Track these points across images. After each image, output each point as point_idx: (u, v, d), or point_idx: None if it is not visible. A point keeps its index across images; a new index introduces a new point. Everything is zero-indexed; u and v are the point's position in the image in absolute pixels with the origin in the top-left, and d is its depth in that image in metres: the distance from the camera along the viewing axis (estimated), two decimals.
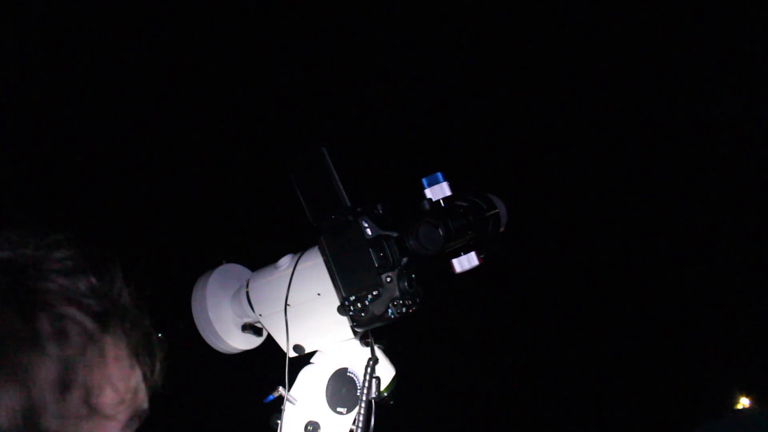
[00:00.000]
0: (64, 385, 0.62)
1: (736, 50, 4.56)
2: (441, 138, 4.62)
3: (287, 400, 1.32)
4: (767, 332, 4.37)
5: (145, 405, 0.72)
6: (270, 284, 1.38)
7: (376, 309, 1.19)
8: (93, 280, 0.68)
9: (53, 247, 0.68)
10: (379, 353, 1.33)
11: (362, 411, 1.26)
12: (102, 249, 0.71)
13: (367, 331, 1.26)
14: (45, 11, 3.56)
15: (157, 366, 0.74)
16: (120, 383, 0.68)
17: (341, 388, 1.32)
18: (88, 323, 0.65)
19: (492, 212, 1.44)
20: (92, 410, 0.65)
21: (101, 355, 0.66)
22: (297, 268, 1.33)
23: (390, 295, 1.19)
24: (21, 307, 0.62)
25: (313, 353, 1.38)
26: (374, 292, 1.19)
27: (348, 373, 1.33)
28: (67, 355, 0.62)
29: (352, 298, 1.21)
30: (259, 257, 1.49)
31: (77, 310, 0.65)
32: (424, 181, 1.32)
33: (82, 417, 0.63)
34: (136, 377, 0.70)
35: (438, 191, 1.31)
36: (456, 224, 1.29)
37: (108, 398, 0.66)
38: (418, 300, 1.24)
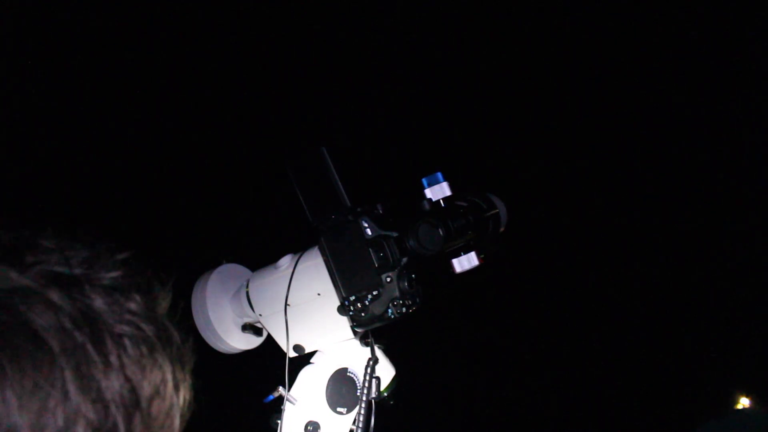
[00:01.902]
0: (131, 406, 0.63)
1: (736, 50, 4.56)
2: (441, 138, 4.62)
3: (287, 400, 1.32)
4: (767, 332, 4.37)
5: (181, 427, 0.72)
6: (270, 284, 1.38)
7: (376, 309, 1.19)
8: (138, 297, 0.68)
9: (110, 266, 0.68)
10: (379, 353, 1.33)
11: (362, 411, 1.26)
12: (143, 264, 0.72)
13: (367, 331, 1.26)
14: (44, 11, 3.56)
15: (191, 388, 0.75)
16: (173, 407, 0.69)
17: (341, 388, 1.32)
18: (146, 344, 0.66)
19: (492, 212, 1.44)
20: None
21: (163, 379, 0.67)
22: (297, 268, 1.33)
23: (390, 295, 1.19)
24: (90, 327, 0.62)
25: (313, 353, 1.38)
26: (374, 292, 1.19)
27: (348, 373, 1.33)
28: (132, 376, 0.63)
29: (352, 298, 1.21)
30: (259, 257, 1.49)
31: (135, 330, 0.65)
32: (424, 181, 1.32)
33: None
34: (181, 398, 0.71)
35: (438, 191, 1.31)
36: (456, 224, 1.29)
37: (166, 424, 0.68)
38: (418, 300, 1.24)
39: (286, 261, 1.37)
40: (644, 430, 4.46)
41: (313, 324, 1.33)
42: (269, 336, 1.43)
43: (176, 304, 0.74)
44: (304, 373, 1.36)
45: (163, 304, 0.72)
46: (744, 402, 4.33)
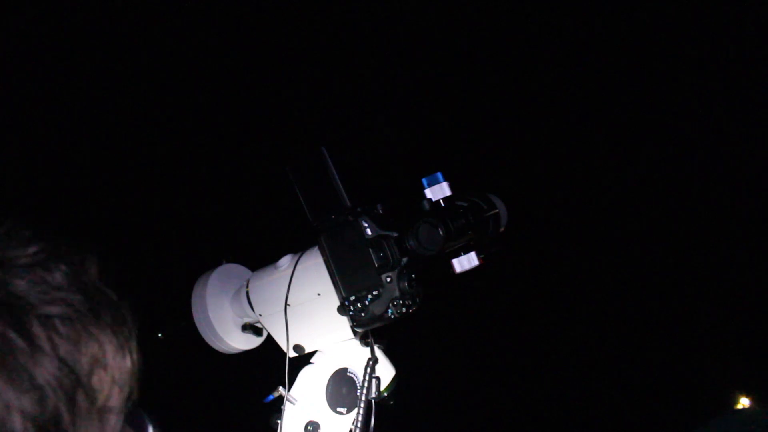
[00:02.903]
0: (70, 387, 0.60)
1: (736, 50, 4.56)
2: (441, 138, 4.62)
3: (287, 400, 1.32)
4: (767, 332, 4.37)
5: (136, 389, 0.70)
6: (270, 284, 1.38)
7: (376, 309, 1.19)
8: (64, 267, 0.65)
9: (23, 243, 0.64)
10: (379, 353, 1.33)
11: (362, 411, 1.26)
12: (66, 237, 0.68)
13: (367, 331, 1.26)
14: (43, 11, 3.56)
15: (136, 345, 0.71)
16: (117, 374, 0.66)
17: (341, 388, 1.32)
18: (78, 319, 0.63)
19: (492, 212, 1.44)
20: (101, 409, 0.64)
21: (100, 349, 0.64)
22: (297, 268, 1.33)
23: (390, 295, 1.19)
24: (10, 313, 0.59)
25: (313, 353, 1.38)
26: (374, 292, 1.19)
27: (348, 373, 1.33)
28: (66, 356, 0.61)
29: (352, 298, 1.21)
30: (259, 257, 1.49)
31: (64, 306, 0.62)
32: (424, 181, 1.32)
33: (92, 417, 0.62)
34: (128, 363, 0.68)
35: (438, 191, 1.31)
36: (456, 224, 1.29)
37: (113, 392, 0.65)
38: (418, 300, 1.24)
39: (286, 261, 1.37)
40: (644, 430, 4.46)
41: (313, 324, 1.33)
42: (269, 336, 1.43)
43: (107, 266, 0.70)
44: (304, 373, 1.36)
45: (92, 269, 0.68)
46: (744, 402, 4.33)
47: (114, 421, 0.66)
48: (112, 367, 0.65)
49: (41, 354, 0.59)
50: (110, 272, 0.70)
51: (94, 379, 0.63)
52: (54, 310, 0.61)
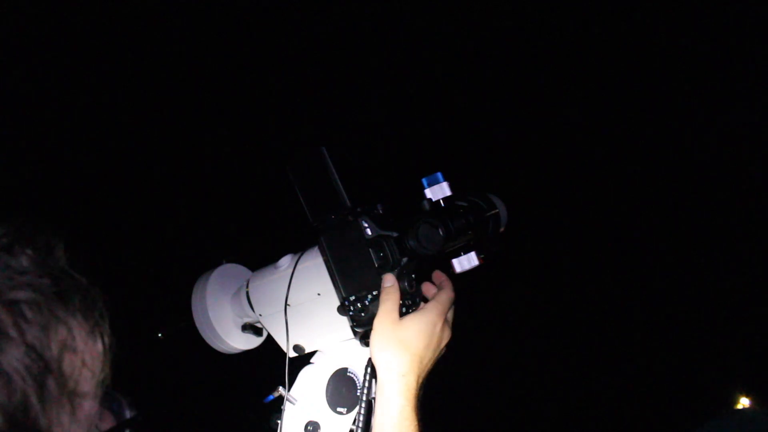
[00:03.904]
0: (39, 373, 0.59)
1: (736, 50, 4.56)
2: (441, 138, 4.62)
3: (287, 400, 1.32)
4: (767, 332, 4.37)
5: (109, 373, 0.69)
6: (270, 284, 1.38)
7: (376, 309, 1.19)
8: (30, 252, 0.64)
9: None
10: None
11: (362, 411, 1.26)
12: (30, 221, 0.67)
13: (367, 331, 1.26)
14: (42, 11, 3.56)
15: (108, 329, 0.70)
16: (89, 358, 0.65)
17: (341, 388, 1.32)
18: (46, 304, 0.62)
19: (492, 212, 1.44)
20: (71, 394, 0.62)
21: (69, 334, 0.63)
22: (297, 268, 1.33)
23: None
24: None
25: (313, 353, 1.38)
26: (374, 292, 1.19)
27: (348, 373, 1.33)
28: (33, 341, 0.59)
29: (352, 298, 1.21)
30: (259, 257, 1.49)
31: (30, 291, 0.61)
32: (424, 181, 1.32)
33: (63, 403, 0.61)
34: (99, 347, 0.67)
35: (438, 191, 1.31)
36: (456, 224, 1.29)
37: (84, 377, 0.64)
38: (418, 300, 1.24)
39: (286, 261, 1.37)
40: (644, 430, 4.46)
41: (313, 324, 1.33)
42: (269, 336, 1.43)
43: (76, 249, 0.69)
44: (304, 373, 1.36)
45: (59, 252, 0.67)
46: (744, 402, 4.33)
47: (87, 406, 0.65)
48: (83, 351, 0.64)
49: (7, 340, 0.58)
50: (80, 256, 0.69)
51: (64, 364, 0.62)
52: (20, 295, 0.60)
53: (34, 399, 0.58)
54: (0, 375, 0.57)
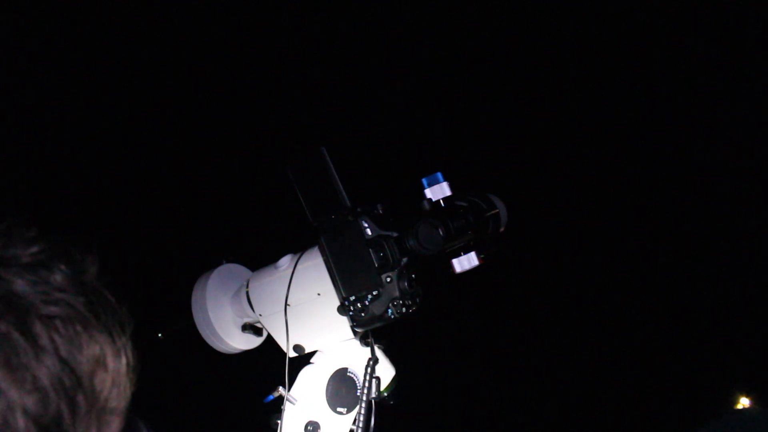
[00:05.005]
0: (71, 388, 0.60)
1: (736, 51, 4.56)
2: (441, 138, 4.62)
3: (287, 400, 1.32)
4: (767, 332, 4.37)
5: (132, 389, 0.70)
6: (270, 284, 1.38)
7: (376, 309, 1.19)
8: (65, 268, 0.65)
9: (24, 242, 0.64)
10: (379, 353, 1.33)
11: (362, 411, 1.26)
12: (65, 237, 0.68)
13: (367, 331, 1.26)
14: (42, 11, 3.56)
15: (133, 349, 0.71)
16: (116, 375, 0.66)
17: (341, 388, 1.32)
18: (79, 321, 0.63)
19: (492, 212, 1.44)
20: (101, 411, 0.63)
21: (101, 351, 0.64)
22: (297, 268, 1.33)
23: (390, 295, 1.19)
24: (13, 313, 0.59)
25: (313, 353, 1.38)
26: (374, 292, 1.19)
27: (348, 373, 1.33)
28: (67, 356, 0.61)
29: (352, 298, 1.21)
30: (259, 257, 1.49)
31: (65, 307, 0.62)
32: (424, 181, 1.32)
33: (92, 419, 0.62)
34: (124, 363, 0.68)
35: (438, 191, 1.31)
36: (456, 224, 1.29)
37: (113, 395, 0.65)
38: (418, 300, 1.24)
39: (286, 261, 1.37)
40: (644, 430, 4.46)
41: (313, 324, 1.33)
42: (269, 336, 1.44)
43: (106, 266, 0.70)
44: (304, 373, 1.36)
45: (92, 270, 0.68)
46: (744, 402, 4.32)
47: (115, 424, 0.66)
48: (112, 369, 0.65)
49: (44, 354, 0.59)
50: (108, 273, 0.70)
51: (96, 381, 0.63)
52: (55, 310, 0.61)
53: (66, 413, 0.59)
54: (36, 387, 0.58)
